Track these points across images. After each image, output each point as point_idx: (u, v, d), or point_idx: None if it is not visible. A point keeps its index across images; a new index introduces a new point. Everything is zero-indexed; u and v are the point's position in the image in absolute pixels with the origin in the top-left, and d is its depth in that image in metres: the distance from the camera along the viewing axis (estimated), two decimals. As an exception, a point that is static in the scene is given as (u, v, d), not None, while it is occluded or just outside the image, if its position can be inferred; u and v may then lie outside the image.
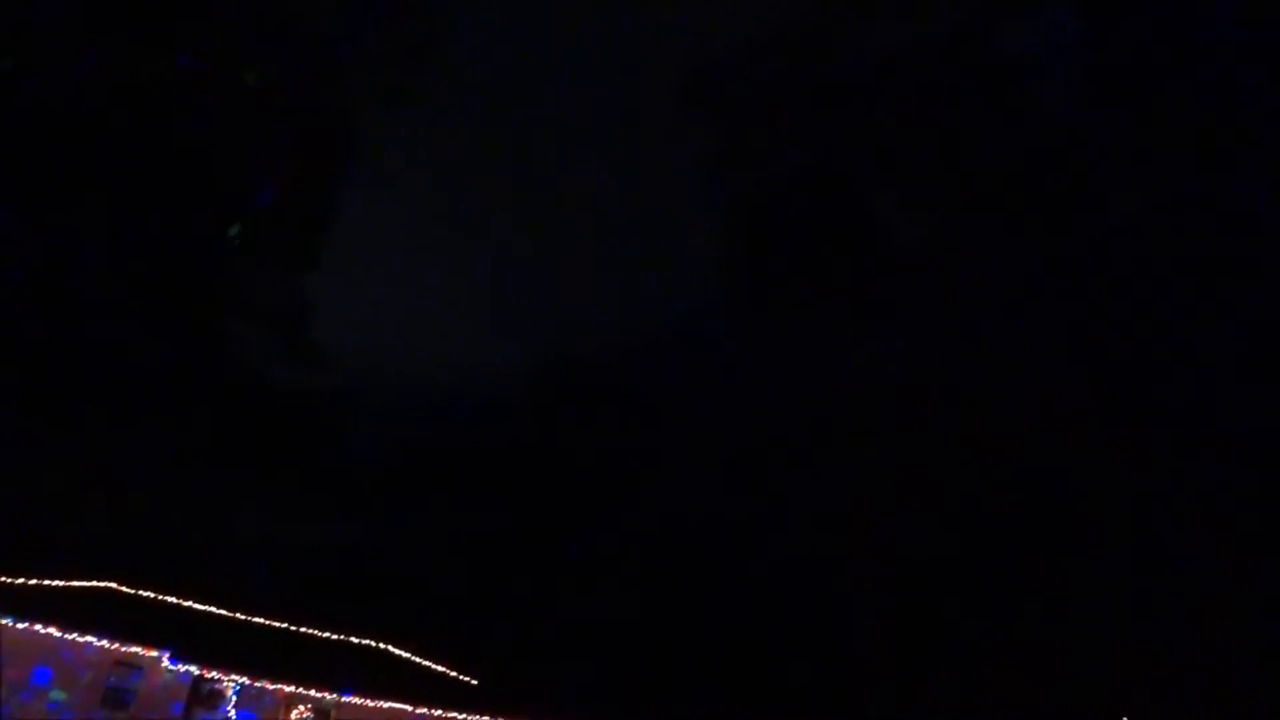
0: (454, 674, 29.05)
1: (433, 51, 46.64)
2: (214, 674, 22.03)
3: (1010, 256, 33.29)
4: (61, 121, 29.67)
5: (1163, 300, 29.71)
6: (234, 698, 22.16)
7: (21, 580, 22.56)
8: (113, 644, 21.12)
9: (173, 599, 26.52)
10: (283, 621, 28.61)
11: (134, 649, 21.36)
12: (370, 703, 23.91)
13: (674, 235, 69.63)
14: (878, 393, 33.13)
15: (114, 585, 25.30)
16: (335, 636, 29.37)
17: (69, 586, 23.78)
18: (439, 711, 24.74)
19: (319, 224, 42.86)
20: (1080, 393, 29.39)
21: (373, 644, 29.93)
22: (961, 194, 35.04)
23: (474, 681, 28.86)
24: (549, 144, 69.08)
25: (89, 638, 20.79)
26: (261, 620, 28.15)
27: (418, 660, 29.52)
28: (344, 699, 23.68)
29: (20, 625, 20.08)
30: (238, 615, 27.67)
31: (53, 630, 20.44)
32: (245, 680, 22.20)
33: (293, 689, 22.98)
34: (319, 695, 23.42)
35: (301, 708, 23.44)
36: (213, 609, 27.16)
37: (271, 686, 22.60)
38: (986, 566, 27.88)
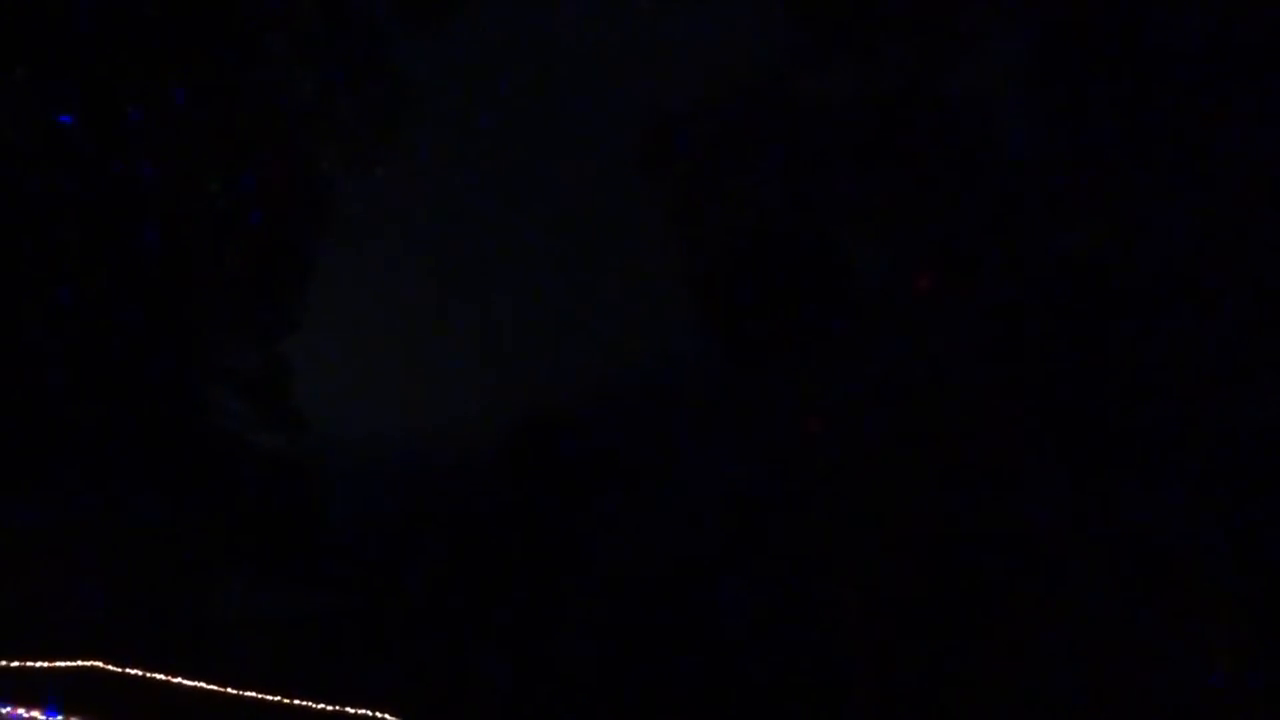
0: (455, 741, 28.09)
1: (398, 119, 46.75)
2: (208, 754, 21.04)
3: (981, 293, 33.75)
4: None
5: (1136, 329, 30.19)
6: (229, 779, 21.12)
7: (3, 663, 21.57)
8: (100, 726, 20.16)
9: (160, 675, 25.44)
10: (274, 694, 27.58)
11: (122, 731, 20.41)
12: (371, 777, 22.94)
13: (644, 290, 70.09)
14: (855, 435, 33.26)
15: (99, 664, 24.22)
16: (331, 708, 28.28)
17: (53, 667, 22.73)
18: (444, 783, 23.79)
19: (294, 289, 42.52)
20: (1059, 426, 29.66)
21: (370, 714, 28.86)
22: (928, 234, 35.60)
23: (478, 749, 27.91)
24: (516, 204, 69.62)
25: (75, 720, 19.82)
26: (253, 694, 27.08)
27: (417, 729, 28.46)
28: (343, 774, 22.70)
29: (4, 710, 19.13)
30: (229, 690, 26.60)
31: (36, 715, 19.50)
32: (240, 761, 21.21)
33: (290, 768, 21.99)
34: (317, 773, 22.43)
35: (300, 786, 22.42)
36: (202, 684, 26.08)
37: (267, 766, 21.62)
38: (972, 602, 27.96)
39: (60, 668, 23.02)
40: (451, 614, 40.57)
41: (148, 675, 25.22)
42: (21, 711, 19.38)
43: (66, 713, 19.93)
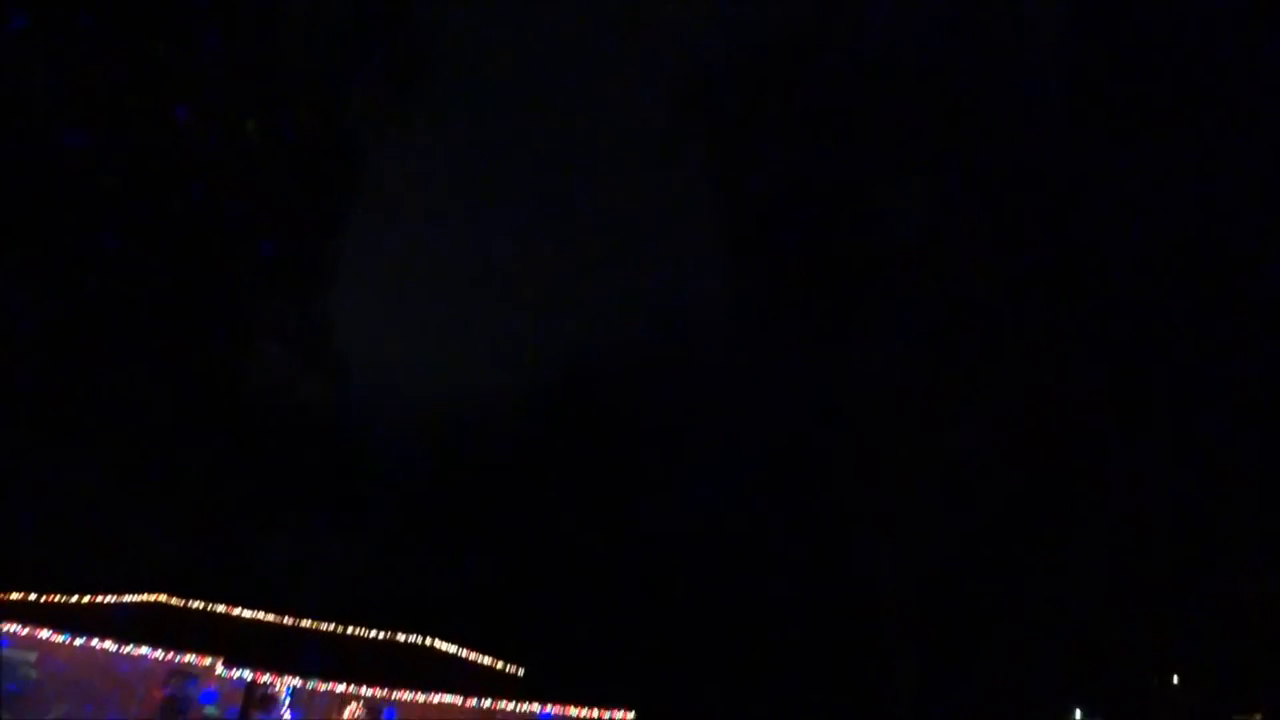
0: (499, 666, 29.46)
1: (427, 73, 47.09)
2: (267, 678, 22.59)
3: (1014, 251, 33.19)
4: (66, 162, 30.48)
5: (1165, 293, 29.54)
6: (288, 699, 22.69)
7: (75, 599, 23.31)
8: (167, 654, 21.76)
9: (222, 608, 27.16)
10: (330, 624, 29.19)
11: (188, 658, 21.99)
12: (420, 697, 24.38)
13: (676, 244, 70.05)
14: (888, 391, 33.15)
15: (163, 599, 25.95)
16: (382, 636, 29.87)
17: (120, 602, 24.46)
18: (487, 702, 25.16)
19: (332, 246, 43.67)
20: (1088, 380, 29.31)
21: (419, 641, 30.40)
22: (963, 191, 34.99)
23: (519, 672, 29.25)
24: (549, 159, 69.89)
25: (143, 649, 21.45)
26: (309, 624, 28.74)
27: (464, 655, 29.94)
28: (395, 695, 24.18)
29: (77, 642, 20.82)
30: (285, 621, 28.26)
31: (108, 644, 21.14)
32: (298, 682, 22.72)
33: (345, 688, 23.49)
34: (370, 693, 23.92)
35: (354, 705, 23.98)
36: (261, 616, 27.76)
37: (324, 687, 23.10)
38: (1007, 554, 27.93)
39: (128, 602, 24.82)
40: (490, 552, 42.05)
41: (209, 608, 27.05)
42: (95, 642, 20.99)
43: (135, 642, 21.48)
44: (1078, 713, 9.16)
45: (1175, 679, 10.60)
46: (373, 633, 29.90)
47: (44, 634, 20.58)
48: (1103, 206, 31.35)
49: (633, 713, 27.13)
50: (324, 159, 42.53)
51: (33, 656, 20.79)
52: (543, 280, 68.17)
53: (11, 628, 20.34)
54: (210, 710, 22.37)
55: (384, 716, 24.26)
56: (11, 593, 21.94)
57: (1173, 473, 25.65)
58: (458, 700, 24.70)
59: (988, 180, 33.89)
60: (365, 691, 23.81)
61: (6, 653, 20.56)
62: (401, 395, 48.93)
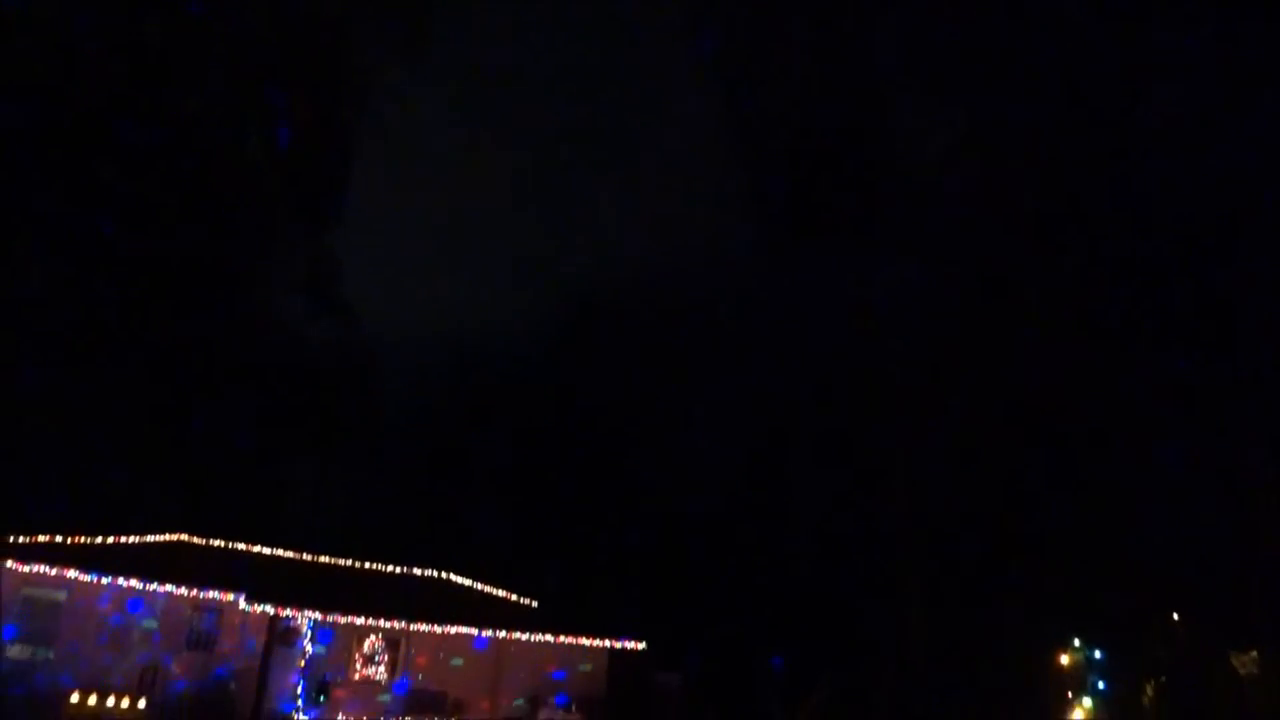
0: (514, 598, 30.23)
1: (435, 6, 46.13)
2: (288, 612, 23.35)
3: (1042, 172, 32.43)
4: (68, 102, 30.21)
5: (1187, 215, 28.89)
6: (309, 632, 23.47)
7: (100, 539, 23.99)
8: (190, 591, 22.52)
9: (242, 546, 27.89)
10: (347, 560, 29.97)
11: (211, 594, 22.77)
12: (437, 629, 25.17)
13: (692, 167, 69.17)
14: (912, 316, 32.84)
15: (185, 537, 26.65)
16: (399, 570, 30.65)
17: (143, 542, 25.16)
18: (502, 633, 25.96)
19: (337, 181, 43.39)
20: (1108, 307, 28.91)
21: (435, 574, 31.19)
22: (994, 109, 34.05)
23: (533, 604, 30.02)
24: (559, 85, 68.68)
25: (168, 586, 22.19)
26: (327, 560, 29.52)
27: (479, 587, 30.73)
28: (413, 627, 24.96)
29: (104, 580, 21.53)
30: (304, 557, 29.03)
31: (133, 582, 21.87)
32: (318, 615, 23.47)
33: (364, 621, 24.26)
34: (389, 625, 24.71)
35: (373, 638, 24.77)
36: (280, 552, 28.50)
37: (343, 620, 23.89)
38: (1017, 487, 27.95)
39: (151, 542, 25.54)
40: (504, 488, 42.69)
41: (229, 545, 27.81)
42: (121, 580, 21.70)
43: (159, 579, 22.19)
44: (1076, 641, 9.53)
45: (1175, 615, 10.92)
46: (390, 568, 30.72)
47: (71, 573, 21.24)
48: (1141, 125, 30.51)
49: (643, 643, 27.97)
50: (330, 92, 42.00)
51: (62, 595, 21.49)
52: (555, 210, 67.73)
53: (40, 568, 21.01)
54: (234, 641, 23.11)
55: (402, 646, 25.05)
56: (39, 535, 22.61)
57: (1183, 415, 25.66)
58: (473, 632, 25.51)
59: (1017, 96, 33.03)
60: (384, 624, 24.62)
61: (38, 591, 21.28)
62: (413, 333, 49.21)
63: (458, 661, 25.61)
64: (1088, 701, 9.18)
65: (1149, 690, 10.33)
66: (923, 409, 30.38)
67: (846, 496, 32.71)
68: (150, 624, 22.23)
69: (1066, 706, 9.41)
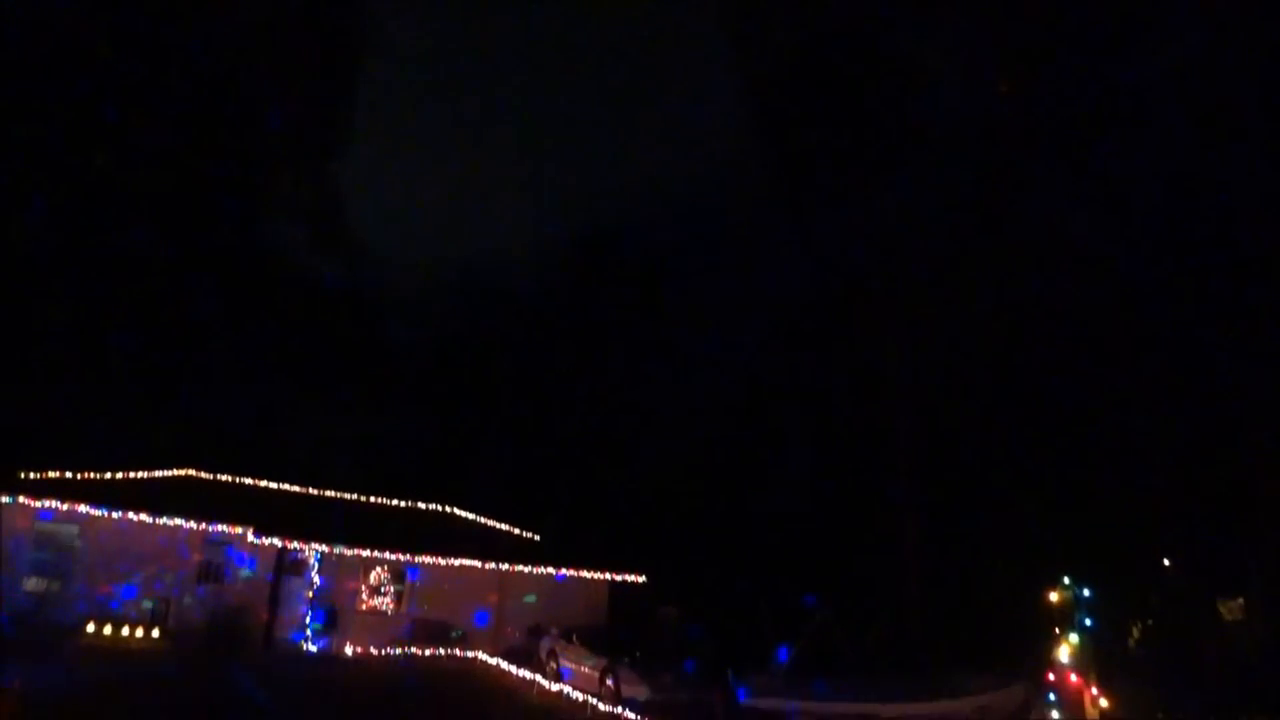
0: (517, 532, 30.81)
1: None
2: (296, 544, 23.89)
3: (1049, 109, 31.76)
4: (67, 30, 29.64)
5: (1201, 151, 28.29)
6: (316, 564, 24.02)
7: (110, 475, 24.40)
8: (200, 525, 23.00)
9: (249, 480, 28.37)
10: (353, 494, 30.50)
11: (220, 527, 23.25)
12: (442, 561, 25.75)
13: (698, 96, 67.99)
14: (910, 254, 32.53)
15: (192, 472, 27.09)
16: (404, 504, 31.19)
17: (153, 477, 25.60)
18: (505, 566, 26.55)
19: (339, 106, 42.67)
20: (1109, 246, 28.58)
21: (440, 509, 31.74)
22: (999, 41, 33.15)
23: (535, 538, 30.60)
24: (564, 17, 67.20)
25: (178, 520, 22.66)
26: (334, 494, 30.03)
27: (483, 521, 31.30)
28: (417, 559, 25.53)
29: (115, 515, 21.98)
30: (311, 491, 29.53)
31: (143, 516, 22.33)
32: (325, 548, 24.01)
33: (369, 553, 24.82)
34: (394, 557, 25.27)
35: (379, 570, 25.34)
36: (287, 487, 28.99)
37: (350, 552, 24.44)
38: (1015, 427, 27.97)
39: (160, 477, 25.99)
40: (508, 423, 43.00)
41: (237, 480, 28.30)
42: (131, 515, 22.13)
43: (169, 514, 22.63)
44: (1066, 579, 9.84)
45: (1165, 561, 11.15)
46: (395, 502, 31.27)
47: (83, 508, 21.67)
48: (1145, 69, 29.78)
49: (644, 576, 28.60)
50: (332, 12, 41.02)
51: (75, 530, 21.96)
52: (560, 144, 66.88)
53: (53, 503, 21.42)
54: (245, 573, 23.63)
55: (408, 577, 25.59)
56: (50, 471, 23.00)
57: (1183, 365, 25.62)
58: (477, 564, 26.10)
59: (1027, 41, 32.23)
60: (389, 556, 25.19)
61: (51, 526, 21.75)
62: (418, 266, 49.05)
63: (462, 593, 26.21)
64: (1074, 638, 9.51)
65: (1135, 632, 10.68)
66: (922, 343, 30.46)
67: (845, 431, 33.00)
68: (162, 557, 22.72)
69: (1054, 642, 9.75)
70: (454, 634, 25.43)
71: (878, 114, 34.10)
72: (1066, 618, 10.12)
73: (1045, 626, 10.76)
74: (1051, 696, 9.72)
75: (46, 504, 21.36)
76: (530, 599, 27.05)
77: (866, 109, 34.22)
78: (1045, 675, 10.07)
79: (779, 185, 39.53)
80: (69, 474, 23.36)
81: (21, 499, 21.22)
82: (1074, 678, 9.62)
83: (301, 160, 41.20)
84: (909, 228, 32.65)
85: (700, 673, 18.70)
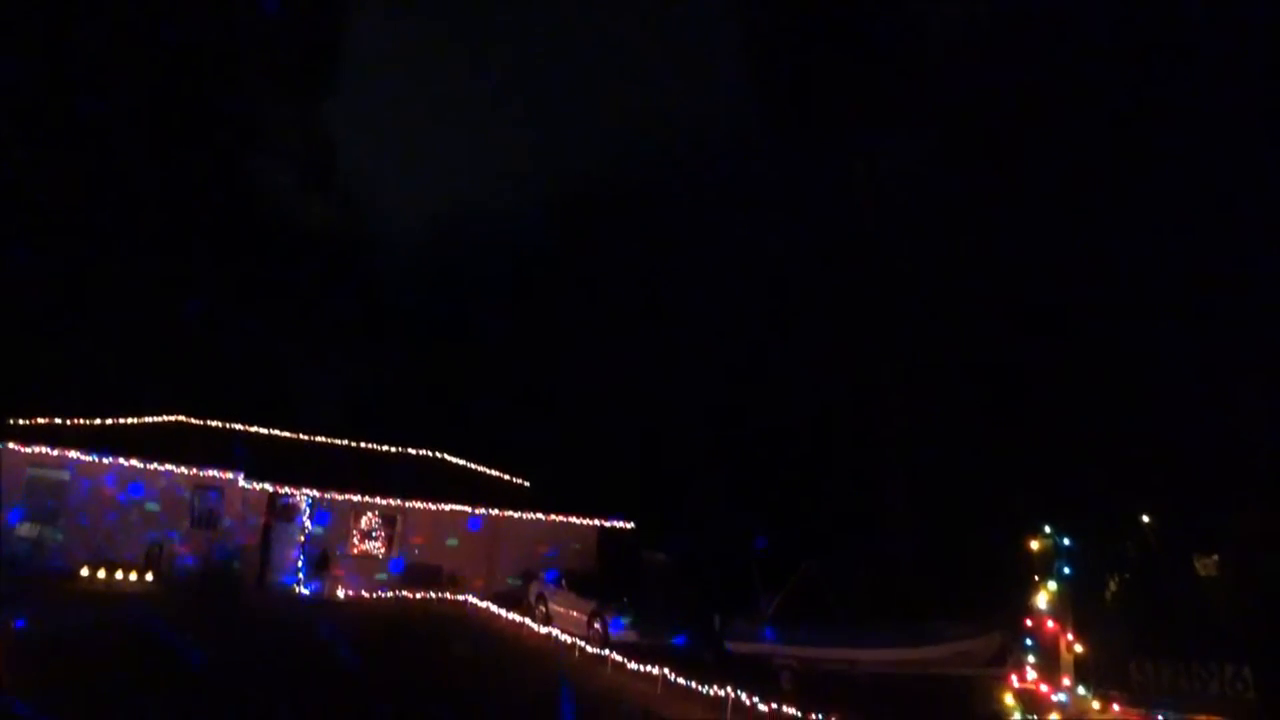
0: (507, 478, 31.06)
1: None
2: (287, 489, 24.10)
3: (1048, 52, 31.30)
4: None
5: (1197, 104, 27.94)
6: (307, 509, 24.27)
7: (98, 420, 24.42)
8: (190, 469, 23.13)
9: (239, 426, 28.42)
10: (344, 440, 30.61)
11: (210, 472, 23.39)
12: (432, 506, 26.03)
13: (696, 39, 66.70)
14: (916, 196, 32.30)
15: (182, 418, 27.11)
16: (394, 450, 31.35)
17: (142, 423, 25.63)
18: (495, 511, 26.84)
19: (330, 50, 41.99)
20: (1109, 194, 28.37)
21: (430, 454, 31.93)
22: None
23: (525, 484, 30.87)
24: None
25: (169, 465, 22.77)
26: (324, 439, 30.15)
27: (473, 467, 31.52)
28: (407, 504, 25.80)
29: (105, 460, 22.07)
30: (301, 437, 29.63)
31: (134, 461, 22.43)
32: (316, 493, 24.23)
33: (360, 498, 25.07)
34: (384, 502, 25.52)
35: (370, 515, 25.60)
36: (278, 432, 29.07)
37: (340, 497, 24.68)
38: (1005, 378, 28.03)
39: (149, 422, 26.01)
40: (498, 369, 43.01)
41: (227, 425, 28.34)
42: (122, 460, 22.22)
43: (158, 459, 22.73)
44: (1047, 528, 10.05)
45: (1145, 518, 11.41)
46: (386, 447, 31.42)
47: (73, 454, 21.74)
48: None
49: (632, 523, 28.97)
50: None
51: (66, 475, 22.05)
52: (554, 84, 65.71)
53: (43, 449, 21.47)
54: (236, 518, 23.82)
55: (398, 522, 25.90)
56: (39, 417, 22.99)
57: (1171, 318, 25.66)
58: (467, 509, 26.39)
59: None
60: (380, 501, 25.44)
61: (41, 472, 21.82)
62: (410, 210, 48.65)
63: (453, 539, 26.52)
64: (1053, 585, 9.72)
65: (1112, 585, 10.94)
66: (914, 292, 30.47)
67: (838, 379, 33.16)
68: (153, 502, 22.87)
69: (1033, 589, 9.97)
70: (445, 578, 25.82)
71: (875, 62, 33.67)
72: (1046, 566, 10.34)
73: (1025, 574, 11.00)
74: (1028, 642, 9.98)
75: (37, 450, 21.41)
76: (520, 544, 27.39)
77: (867, 50, 33.80)
78: (1023, 622, 10.32)
79: (774, 127, 39.18)
80: (58, 420, 23.37)
81: (11, 445, 21.27)
82: (1050, 624, 9.86)
83: (291, 99, 40.62)
84: (903, 177, 32.44)
85: (686, 618, 19.08)
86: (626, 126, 60.51)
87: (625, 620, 18.98)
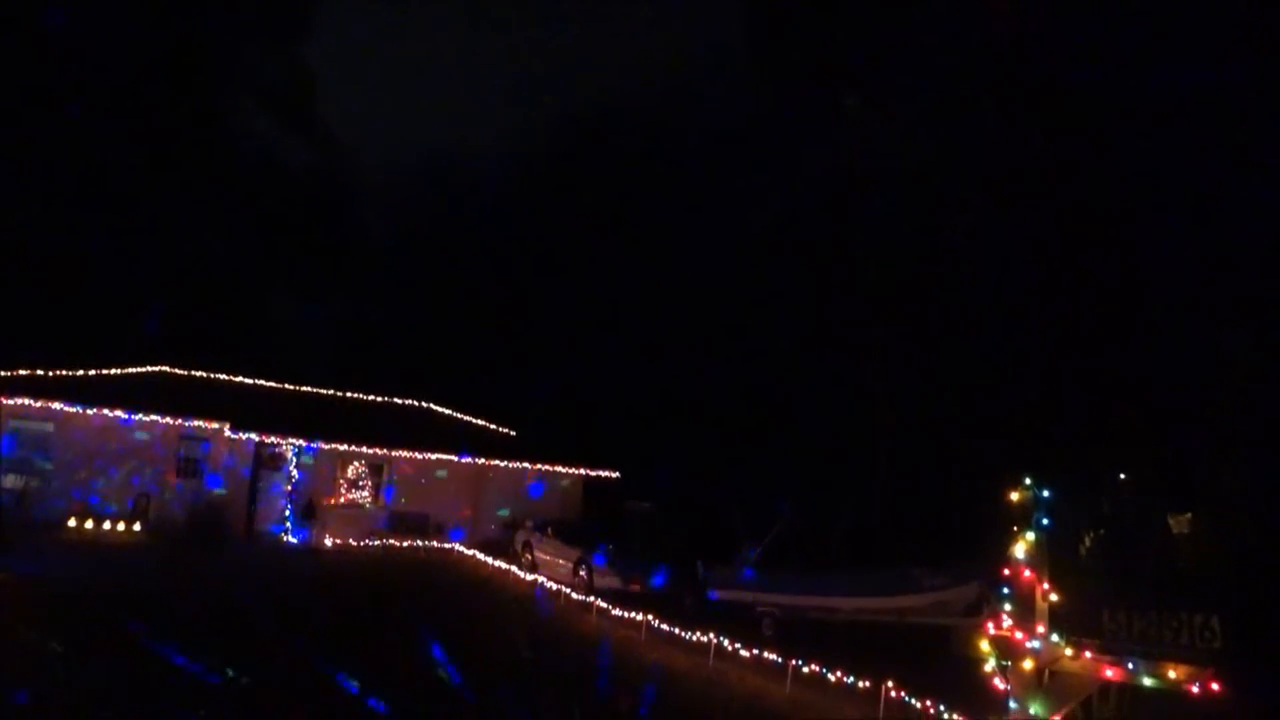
0: (493, 427, 31.16)
1: None
2: (273, 439, 24.13)
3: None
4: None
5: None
6: (294, 459, 24.35)
7: (81, 372, 24.26)
8: (176, 420, 23.09)
9: (224, 376, 28.31)
10: (330, 390, 30.56)
11: (196, 423, 23.36)
12: (419, 455, 26.14)
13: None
14: (905, 153, 32.00)
15: (166, 369, 26.96)
16: (381, 399, 31.36)
17: (125, 373, 25.48)
18: (481, 460, 26.99)
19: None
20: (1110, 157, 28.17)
21: (416, 404, 31.96)
22: None
23: (512, 433, 30.98)
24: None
25: (154, 416, 22.71)
26: (310, 389, 30.09)
27: (459, 416, 31.59)
28: (394, 453, 25.90)
29: (90, 411, 21.98)
30: (287, 387, 29.56)
31: (119, 412, 22.35)
32: (302, 442, 24.29)
33: (347, 447, 25.15)
34: (371, 451, 25.63)
35: (356, 464, 25.71)
36: (263, 382, 28.99)
37: (327, 446, 24.75)
38: (993, 330, 28.08)
39: (133, 373, 25.87)
40: (485, 319, 42.86)
41: (211, 376, 28.23)
42: (106, 411, 22.14)
43: (144, 410, 22.65)
44: (1027, 479, 10.27)
45: (1122, 476, 11.61)
46: (372, 396, 31.41)
47: (57, 405, 21.64)
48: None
49: (617, 473, 29.20)
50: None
51: (50, 427, 21.96)
52: (541, 25, 64.41)
53: (25, 401, 21.34)
54: (223, 468, 23.85)
55: (385, 471, 26.05)
56: (20, 369, 22.81)
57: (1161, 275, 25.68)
58: (453, 458, 26.52)
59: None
60: (366, 450, 25.53)
61: (24, 424, 21.72)
62: (394, 157, 47.89)
63: (439, 487, 26.69)
64: (1031, 536, 9.93)
65: (1087, 540, 11.18)
66: (901, 243, 30.39)
67: (829, 334, 33.24)
68: (140, 453, 22.86)
69: (1011, 539, 10.18)
70: (432, 526, 26.03)
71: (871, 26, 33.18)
72: (1025, 517, 10.54)
73: (1003, 525, 11.21)
74: (1005, 590, 10.21)
75: (19, 402, 21.29)
76: (505, 493, 27.61)
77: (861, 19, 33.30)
78: (1000, 571, 10.55)
79: (766, 73, 38.65)
80: (40, 372, 23.21)
81: (-6, 397, 21.15)
82: (1027, 574, 10.09)
83: (267, 41, 39.71)
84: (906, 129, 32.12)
85: (670, 566, 19.36)
86: (614, 66, 59.60)
87: (606, 560, 19.26)
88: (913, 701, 10.42)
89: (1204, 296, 23.20)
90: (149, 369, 26.27)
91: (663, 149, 49.10)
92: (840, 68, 33.10)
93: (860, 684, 11.14)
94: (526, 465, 27.77)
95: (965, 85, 31.23)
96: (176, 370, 27.12)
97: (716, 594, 17.03)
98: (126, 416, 22.41)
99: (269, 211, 38.48)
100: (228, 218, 37.54)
